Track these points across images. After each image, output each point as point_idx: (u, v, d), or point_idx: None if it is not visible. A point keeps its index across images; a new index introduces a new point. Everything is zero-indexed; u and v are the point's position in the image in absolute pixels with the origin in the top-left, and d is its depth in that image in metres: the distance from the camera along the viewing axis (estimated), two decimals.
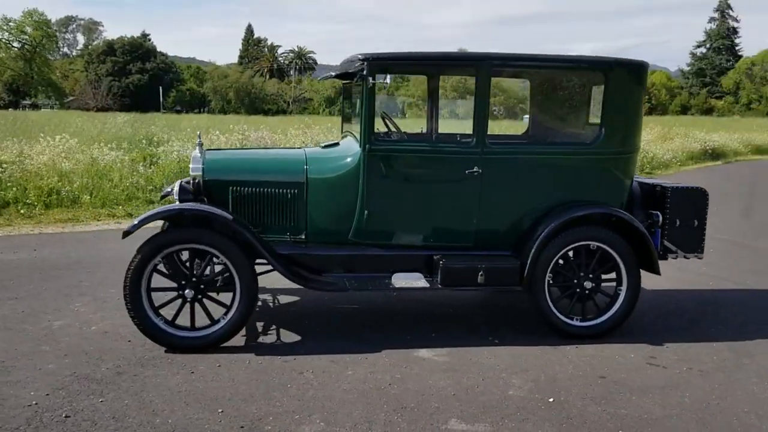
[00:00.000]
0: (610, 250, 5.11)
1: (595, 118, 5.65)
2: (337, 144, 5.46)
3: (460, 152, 5.02)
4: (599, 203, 5.15)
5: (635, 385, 4.34)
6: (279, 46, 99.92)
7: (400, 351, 4.83)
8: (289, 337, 5.07)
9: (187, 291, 4.69)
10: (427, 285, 5.00)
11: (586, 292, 5.18)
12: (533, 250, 4.96)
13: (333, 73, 5.25)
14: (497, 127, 6.88)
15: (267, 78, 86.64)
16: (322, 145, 5.52)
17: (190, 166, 5.04)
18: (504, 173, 5.04)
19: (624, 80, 5.12)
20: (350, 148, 5.12)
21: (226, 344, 4.76)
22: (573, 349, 4.94)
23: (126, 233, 4.64)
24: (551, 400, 4.09)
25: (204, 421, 3.70)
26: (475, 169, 4.95)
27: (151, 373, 4.33)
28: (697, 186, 5.49)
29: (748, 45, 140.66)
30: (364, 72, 4.75)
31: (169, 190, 5.90)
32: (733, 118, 57.36)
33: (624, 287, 5.17)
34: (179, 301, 4.77)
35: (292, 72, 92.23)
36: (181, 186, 4.94)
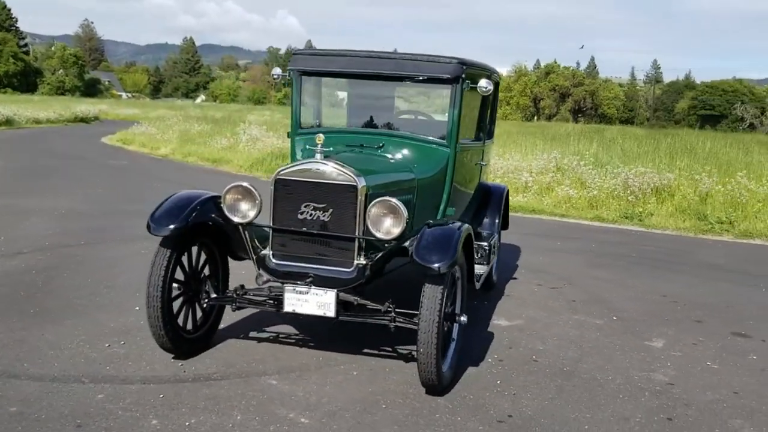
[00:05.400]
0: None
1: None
2: (382, 146, 4.87)
3: (478, 147, 5.69)
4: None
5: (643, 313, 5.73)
6: None
7: None
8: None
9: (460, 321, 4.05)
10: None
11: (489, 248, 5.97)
12: (497, 221, 6.02)
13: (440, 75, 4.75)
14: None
15: None
16: (376, 145, 4.85)
17: (355, 178, 3.88)
18: (471, 162, 5.64)
19: (497, 86, 6.13)
20: (427, 148, 4.90)
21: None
22: (537, 292, 6.20)
23: (441, 270, 3.59)
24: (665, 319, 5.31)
25: None
26: (482, 161, 5.84)
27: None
28: None
29: None
30: (463, 76, 4.75)
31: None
32: None
33: (497, 241, 6.21)
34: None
35: None
36: None
